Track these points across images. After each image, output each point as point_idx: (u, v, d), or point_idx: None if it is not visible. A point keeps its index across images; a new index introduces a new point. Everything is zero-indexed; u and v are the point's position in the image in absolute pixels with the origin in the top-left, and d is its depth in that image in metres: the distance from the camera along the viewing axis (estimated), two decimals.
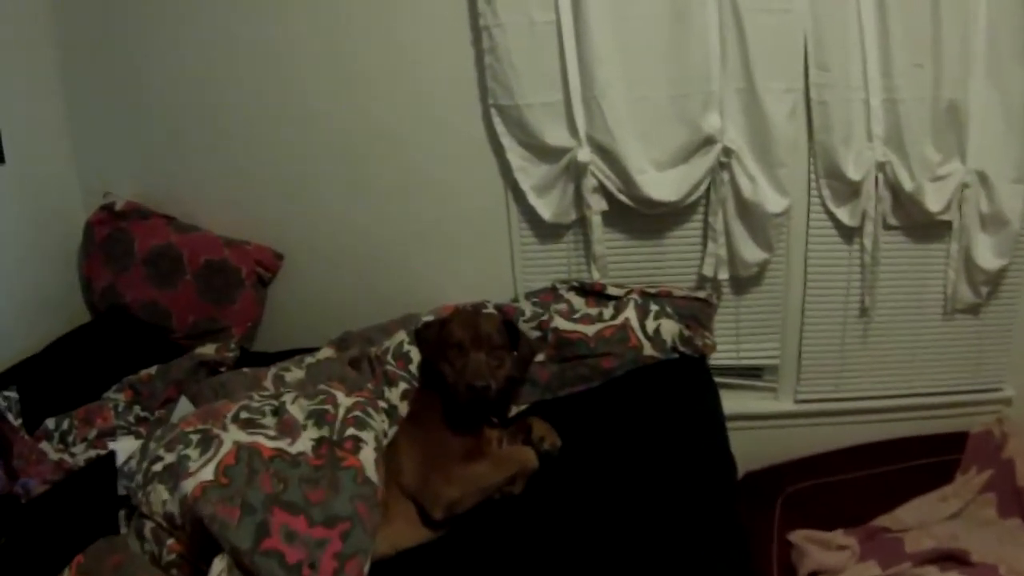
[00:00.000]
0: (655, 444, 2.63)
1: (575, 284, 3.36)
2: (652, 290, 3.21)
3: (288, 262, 3.68)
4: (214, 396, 2.97)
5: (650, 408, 2.81)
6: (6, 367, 3.15)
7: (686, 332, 3.04)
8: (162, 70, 3.51)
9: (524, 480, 2.50)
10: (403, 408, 2.73)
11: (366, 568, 2.06)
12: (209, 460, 2.22)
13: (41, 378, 3.16)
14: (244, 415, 2.46)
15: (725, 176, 3.18)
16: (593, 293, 3.29)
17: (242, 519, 2.05)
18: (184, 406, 2.97)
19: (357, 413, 2.46)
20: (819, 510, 3.27)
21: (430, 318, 3.02)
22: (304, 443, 2.34)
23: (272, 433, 2.36)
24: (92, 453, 2.82)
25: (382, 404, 2.64)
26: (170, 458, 2.29)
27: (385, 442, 2.54)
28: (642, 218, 3.33)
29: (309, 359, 3.18)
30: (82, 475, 2.57)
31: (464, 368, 2.58)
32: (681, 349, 3.02)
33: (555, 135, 3.20)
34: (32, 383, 3.09)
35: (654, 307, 3.06)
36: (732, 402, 3.34)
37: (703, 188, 3.23)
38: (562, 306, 3.24)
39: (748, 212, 3.21)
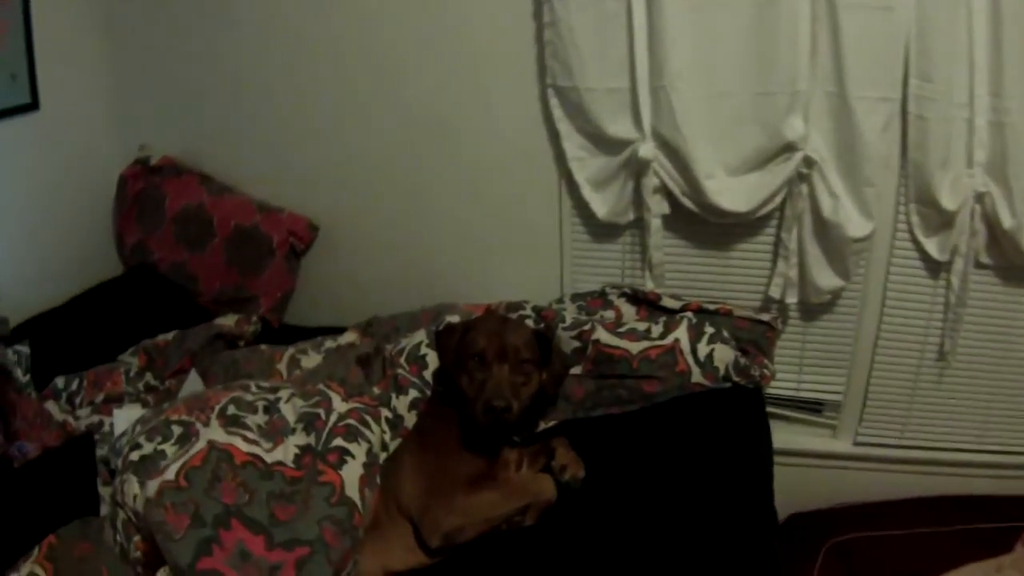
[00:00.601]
0: (689, 484, 2.29)
1: (627, 291, 2.98)
2: (711, 306, 2.82)
3: (324, 235, 3.40)
4: (224, 373, 2.81)
5: (690, 442, 2.45)
6: (26, 318, 3.01)
7: (742, 360, 2.65)
8: (211, 25, 3.24)
9: (538, 512, 2.16)
10: (411, 420, 2.38)
11: None
12: (179, 458, 2.01)
13: (59, 332, 3.02)
14: (231, 410, 2.21)
15: (804, 189, 2.76)
16: (646, 303, 2.91)
17: (188, 531, 1.85)
18: (193, 381, 2.84)
19: (351, 421, 2.17)
20: (864, 565, 2.87)
21: (454, 319, 2.68)
22: (286, 450, 2.08)
23: (252, 436, 2.10)
24: (95, 418, 2.67)
25: (386, 413, 2.31)
26: (148, 448, 2.08)
27: (384, 456, 2.22)
28: (707, 227, 2.93)
29: (329, 343, 2.92)
30: (60, 453, 2.37)
31: (484, 384, 2.22)
32: (735, 379, 2.63)
33: (617, 125, 2.80)
34: (49, 337, 2.94)
35: (709, 329, 2.65)
36: (786, 435, 3.14)
37: (778, 200, 2.82)
38: (609, 313, 2.90)
39: (826, 233, 2.79)
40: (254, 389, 2.35)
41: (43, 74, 3.10)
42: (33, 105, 3.10)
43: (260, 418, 2.22)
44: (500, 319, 2.54)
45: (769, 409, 2.90)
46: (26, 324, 2.98)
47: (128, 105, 3.46)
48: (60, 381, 2.81)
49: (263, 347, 2.95)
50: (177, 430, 2.11)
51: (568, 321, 2.77)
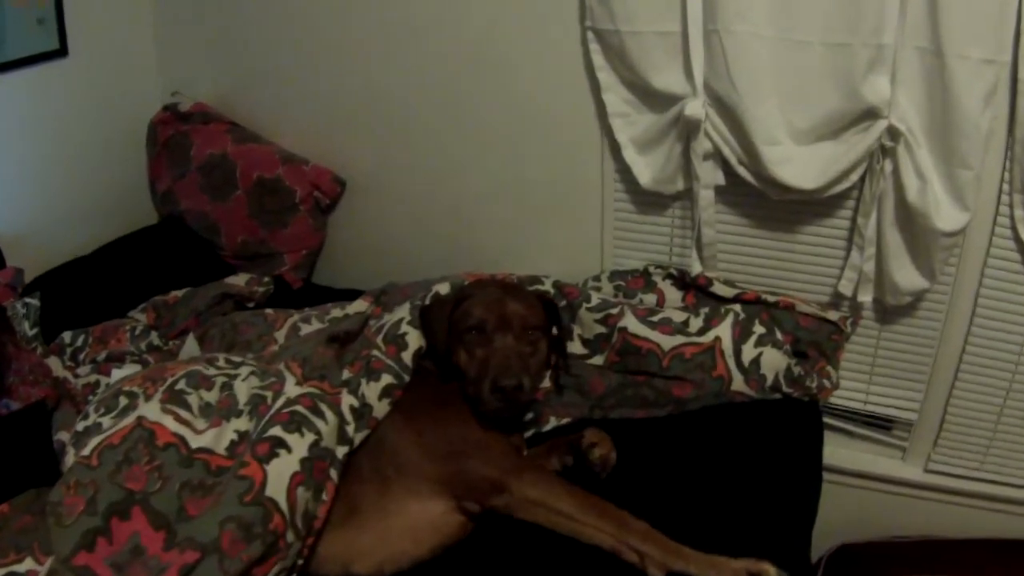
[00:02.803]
0: (711, 511, 1.80)
1: (674, 272, 2.42)
2: (771, 299, 2.25)
3: (352, 192, 2.96)
4: (221, 338, 2.45)
5: (721, 461, 1.95)
6: (50, 268, 2.77)
7: (796, 369, 2.10)
8: None
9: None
10: (381, 409, 1.84)
11: None
12: (104, 433, 1.68)
13: (80, 283, 2.75)
14: (182, 384, 1.80)
15: (887, 166, 2.11)
16: (695, 287, 2.35)
17: (79, 518, 1.52)
18: (190, 346, 2.50)
19: (297, 408, 1.70)
20: None
21: (443, 288, 2.17)
22: (221, 436, 1.69)
23: (186, 415, 1.72)
24: (94, 378, 2.35)
25: (351, 401, 1.79)
26: (91, 420, 1.77)
27: (343, 451, 1.73)
28: (768, 203, 2.32)
29: (336, 311, 2.48)
30: (14, 419, 2.07)
31: (487, 360, 1.84)
32: (785, 390, 2.09)
33: (664, 77, 2.19)
34: (69, 288, 2.70)
35: (759, 329, 2.11)
36: (848, 453, 2.58)
37: (854, 178, 2.17)
38: (651, 297, 2.38)
39: (911, 222, 2.14)
40: (220, 363, 1.94)
41: (72, 19, 2.79)
42: (61, 51, 2.79)
43: (213, 395, 1.80)
44: (497, 285, 2.08)
45: (830, 421, 2.47)
46: (50, 273, 2.73)
47: (165, 51, 3.09)
48: (67, 336, 2.50)
49: (268, 311, 2.54)
50: (123, 402, 1.77)
51: (594, 302, 2.24)
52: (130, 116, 3.08)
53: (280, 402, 1.70)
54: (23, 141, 2.76)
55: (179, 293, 2.70)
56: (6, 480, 1.80)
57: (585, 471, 1.86)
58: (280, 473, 1.57)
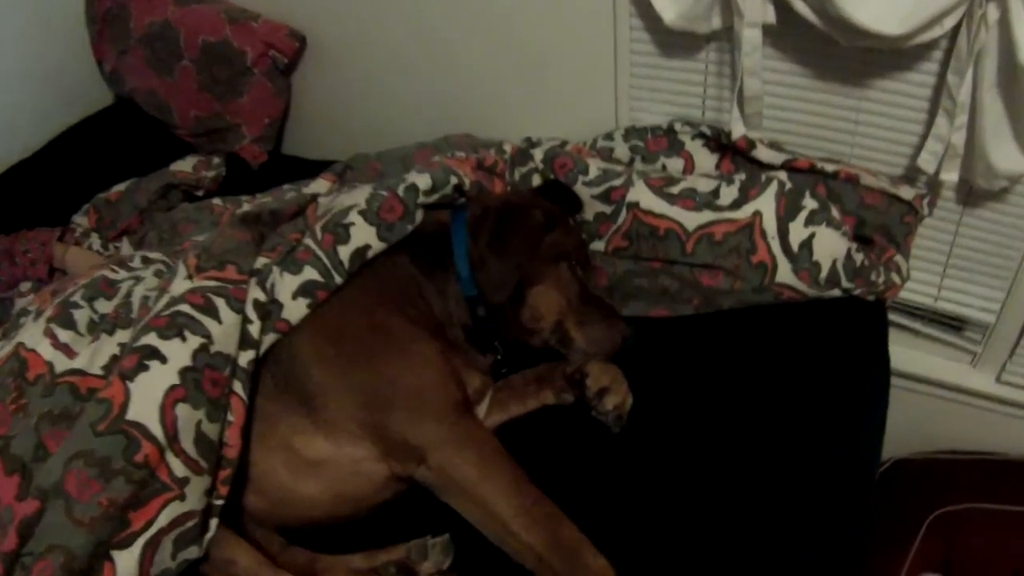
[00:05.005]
0: (750, 443, 1.42)
1: (706, 131, 1.91)
2: (830, 168, 1.75)
3: (314, 49, 2.51)
4: (159, 241, 2.11)
5: (764, 378, 1.52)
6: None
7: (857, 256, 1.62)
8: None
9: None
10: (294, 310, 1.38)
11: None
12: None
13: (25, 187, 2.43)
14: (78, 295, 1.45)
15: (992, 14, 1.55)
16: (733, 150, 1.85)
17: None
18: (126, 251, 2.23)
19: (182, 308, 1.27)
20: (979, 548, 1.83)
21: (422, 182, 1.59)
22: (97, 353, 1.31)
23: (66, 336, 1.36)
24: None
25: (258, 295, 1.34)
26: None
27: (248, 357, 1.29)
28: (833, 51, 1.76)
29: (291, 195, 2.01)
30: None
31: (605, 307, 1.54)
32: (844, 284, 1.62)
33: None
34: (14, 193, 2.40)
35: (810, 203, 1.63)
36: (909, 353, 2.12)
37: (948, 25, 1.61)
38: (676, 162, 1.89)
39: (1018, 89, 1.59)
40: (135, 263, 1.60)
41: None
42: None
43: (111, 305, 1.43)
44: (521, 197, 1.73)
45: (892, 317, 1.96)
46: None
47: None
48: None
49: (216, 202, 2.19)
50: (22, 321, 1.45)
51: (592, 174, 1.76)
52: None
53: (162, 303, 1.27)
54: None
55: (122, 187, 2.36)
56: None
57: (589, 415, 1.48)
58: (149, 389, 1.17)
